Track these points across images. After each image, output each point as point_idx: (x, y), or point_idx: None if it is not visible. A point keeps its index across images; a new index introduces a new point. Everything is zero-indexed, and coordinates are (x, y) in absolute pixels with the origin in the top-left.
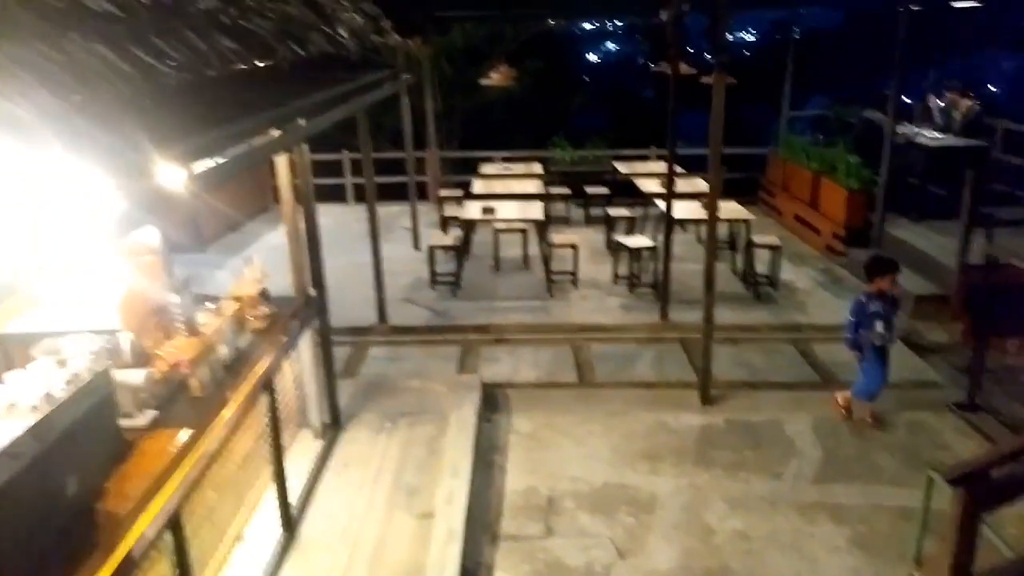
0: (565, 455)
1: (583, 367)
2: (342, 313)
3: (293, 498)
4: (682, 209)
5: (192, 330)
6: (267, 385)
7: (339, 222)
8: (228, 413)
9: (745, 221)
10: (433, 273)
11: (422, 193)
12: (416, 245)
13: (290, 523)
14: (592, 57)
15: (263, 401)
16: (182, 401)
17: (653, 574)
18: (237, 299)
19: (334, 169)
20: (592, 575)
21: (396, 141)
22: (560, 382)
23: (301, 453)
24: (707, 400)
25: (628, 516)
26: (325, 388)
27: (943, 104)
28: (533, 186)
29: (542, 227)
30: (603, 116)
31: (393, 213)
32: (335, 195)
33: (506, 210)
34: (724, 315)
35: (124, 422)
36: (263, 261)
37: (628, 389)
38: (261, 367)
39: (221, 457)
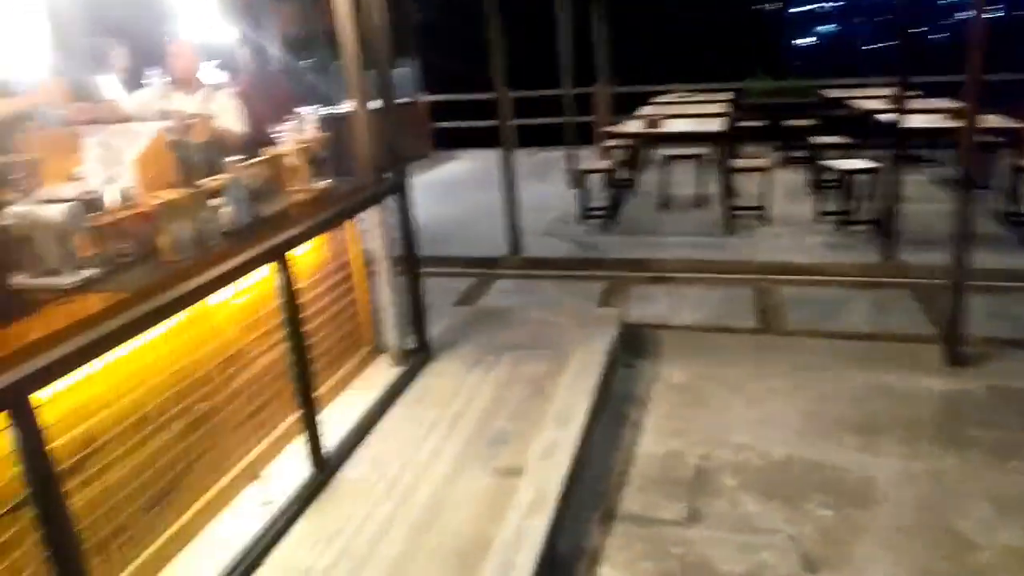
0: (730, 415)
1: (767, 312)
2: (471, 246)
3: (343, 432)
4: (918, 121)
5: (187, 177)
6: (282, 266)
7: (493, 166)
8: (200, 285)
9: (1017, 132)
10: (585, 205)
11: (589, 137)
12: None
13: (321, 462)
14: None
15: (280, 290)
16: (148, 266)
17: None
18: (275, 156)
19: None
20: None
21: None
22: (733, 327)
23: (370, 380)
24: (956, 359)
25: (824, 508)
26: (409, 305)
27: None
28: (715, 109)
29: (723, 149)
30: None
31: (556, 158)
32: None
33: (676, 125)
34: (977, 259)
35: (39, 280)
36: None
37: (832, 340)
38: (277, 241)
39: (205, 354)
